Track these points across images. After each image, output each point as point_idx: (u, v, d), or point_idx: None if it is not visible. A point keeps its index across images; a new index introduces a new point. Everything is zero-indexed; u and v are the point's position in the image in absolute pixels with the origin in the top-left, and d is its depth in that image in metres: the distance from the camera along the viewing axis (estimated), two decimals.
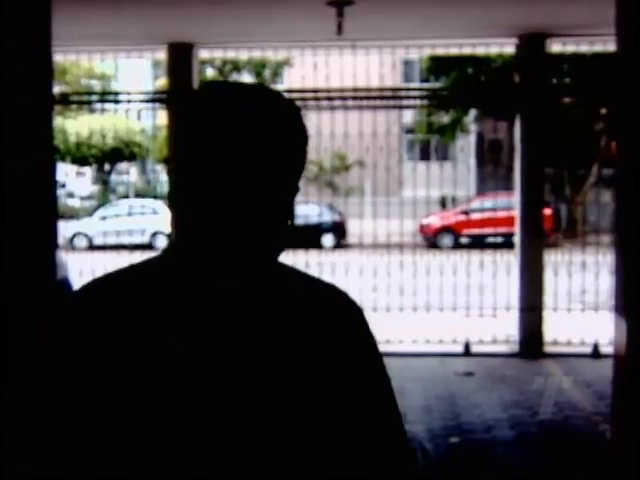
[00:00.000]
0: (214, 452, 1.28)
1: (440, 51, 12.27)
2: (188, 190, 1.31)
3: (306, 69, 10.63)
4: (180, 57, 9.37)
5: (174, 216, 1.36)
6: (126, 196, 31.26)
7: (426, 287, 11.76)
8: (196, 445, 1.28)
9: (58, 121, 24.76)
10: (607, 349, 8.23)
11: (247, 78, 26.95)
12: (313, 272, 1.51)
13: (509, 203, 14.72)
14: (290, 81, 26.41)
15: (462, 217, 24.23)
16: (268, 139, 1.30)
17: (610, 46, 7.48)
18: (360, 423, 1.38)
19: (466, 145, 29.57)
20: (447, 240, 23.65)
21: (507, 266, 11.11)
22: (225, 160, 1.28)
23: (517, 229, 9.95)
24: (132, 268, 1.38)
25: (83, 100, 14.61)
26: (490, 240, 19.98)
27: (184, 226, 1.34)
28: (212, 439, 1.28)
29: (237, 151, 1.28)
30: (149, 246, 21.89)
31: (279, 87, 25.34)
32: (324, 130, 11.25)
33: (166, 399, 1.27)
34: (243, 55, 11.02)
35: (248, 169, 1.28)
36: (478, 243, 18.63)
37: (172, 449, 1.27)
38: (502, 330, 10.19)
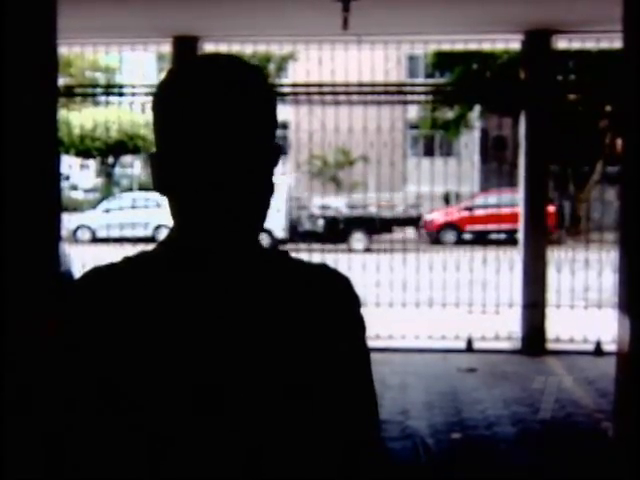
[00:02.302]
0: (203, 449, 1.29)
1: (445, 46, 12.26)
2: (181, 177, 1.30)
3: (311, 64, 10.61)
4: (185, 50, 9.35)
5: (171, 205, 1.36)
6: (130, 189, 31.29)
7: (429, 283, 11.76)
8: (186, 442, 1.28)
9: (62, 113, 24.76)
10: (610, 347, 8.23)
11: None
12: None
13: (513, 199, 14.70)
14: (295, 75, 26.37)
15: (466, 213, 24.23)
16: (249, 110, 1.30)
17: (616, 43, 7.46)
18: (337, 406, 1.38)
19: (470, 141, 29.55)
20: (450, 236, 23.66)
21: (510, 262, 11.11)
22: (214, 141, 1.28)
23: (520, 226, 9.94)
24: (130, 259, 1.38)
25: (87, 93, 14.62)
26: (493, 236, 20.00)
27: (181, 215, 1.34)
28: (202, 436, 1.29)
29: (224, 129, 1.28)
30: (152, 239, 21.90)
31: (284, 81, 25.33)
32: (328, 125, 11.25)
33: (156, 394, 1.28)
34: (248, 49, 10.99)
35: (238, 147, 1.28)
36: (481, 239, 18.62)
37: (161, 446, 1.28)
38: (505, 327, 10.18)
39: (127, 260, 1.38)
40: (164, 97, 1.34)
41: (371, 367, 1.45)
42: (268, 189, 1.34)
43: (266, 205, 1.34)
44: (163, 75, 1.38)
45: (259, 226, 1.34)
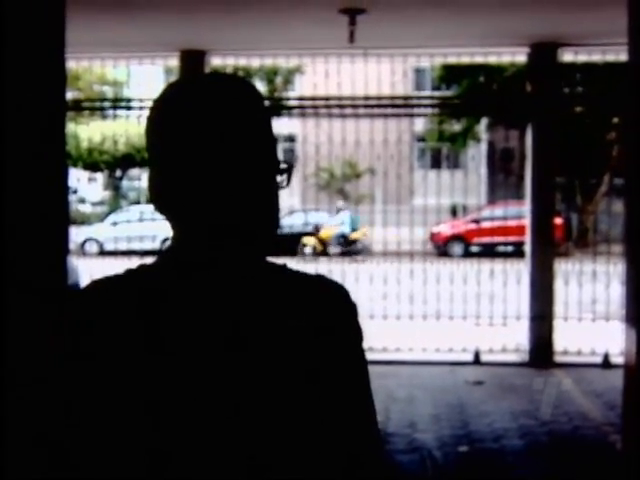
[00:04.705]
0: (214, 453, 1.30)
1: (452, 59, 12.28)
2: (180, 192, 1.32)
3: (318, 77, 10.64)
4: (192, 64, 9.39)
5: (170, 220, 1.37)
6: (137, 202, 31.33)
7: (436, 295, 11.75)
8: (195, 446, 1.29)
9: (70, 127, 24.83)
10: (618, 359, 8.20)
11: (259, 85, 26.99)
12: None
13: (520, 212, 14.68)
14: (302, 89, 26.43)
15: (473, 225, 24.19)
16: (246, 125, 1.32)
17: (622, 55, 7.47)
18: (336, 415, 1.39)
19: (477, 153, 29.57)
20: (457, 248, 23.63)
21: (517, 275, 11.09)
22: (212, 156, 1.29)
23: (528, 238, 9.93)
24: (132, 272, 1.40)
25: (95, 106, 14.66)
26: (500, 249, 19.97)
27: (182, 228, 1.36)
28: (212, 441, 1.29)
29: (224, 147, 1.30)
30: (160, 252, 21.89)
31: (290, 94, 25.39)
32: (335, 138, 11.27)
33: (166, 400, 1.29)
34: (255, 62, 11.03)
35: (237, 161, 1.30)
36: (488, 252, 18.59)
37: (171, 449, 1.28)
38: (512, 339, 10.16)
39: (129, 271, 1.39)
40: (158, 118, 1.35)
41: (369, 376, 1.46)
42: (271, 203, 1.35)
43: (268, 219, 1.35)
44: (156, 95, 1.40)
45: (262, 239, 1.35)
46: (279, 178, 1.37)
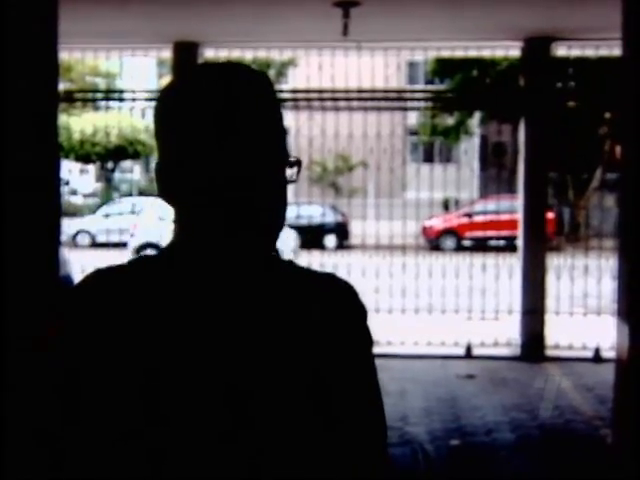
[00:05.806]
0: (214, 451, 1.29)
1: (445, 53, 12.27)
2: (186, 185, 1.31)
3: (311, 69, 10.62)
4: (185, 56, 9.37)
5: (180, 210, 1.36)
6: (129, 194, 31.28)
7: (428, 289, 11.76)
8: (196, 443, 1.28)
9: (62, 118, 24.75)
10: (609, 353, 8.23)
11: None
12: None
13: (512, 206, 14.69)
14: (295, 81, 26.39)
15: (465, 219, 24.22)
16: (257, 118, 1.30)
17: (615, 50, 7.48)
18: (344, 416, 1.38)
19: (470, 148, 29.59)
20: (450, 242, 23.65)
21: (509, 269, 11.11)
22: (221, 148, 1.28)
23: (520, 232, 9.95)
24: (133, 262, 1.39)
25: (88, 98, 14.61)
26: (493, 243, 19.98)
27: (184, 222, 1.35)
28: (212, 438, 1.28)
29: (231, 137, 1.28)
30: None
31: (284, 87, 25.35)
32: (328, 131, 11.25)
33: (167, 395, 1.27)
34: (248, 55, 11.00)
35: (246, 154, 1.28)
36: (481, 246, 18.61)
37: (172, 446, 1.27)
38: (504, 333, 10.18)
39: (130, 262, 1.38)
40: (169, 105, 1.34)
41: (378, 378, 1.45)
42: (279, 197, 1.33)
43: (276, 213, 1.32)
44: (165, 82, 1.39)
45: (268, 234, 1.33)
46: (289, 171, 1.35)
